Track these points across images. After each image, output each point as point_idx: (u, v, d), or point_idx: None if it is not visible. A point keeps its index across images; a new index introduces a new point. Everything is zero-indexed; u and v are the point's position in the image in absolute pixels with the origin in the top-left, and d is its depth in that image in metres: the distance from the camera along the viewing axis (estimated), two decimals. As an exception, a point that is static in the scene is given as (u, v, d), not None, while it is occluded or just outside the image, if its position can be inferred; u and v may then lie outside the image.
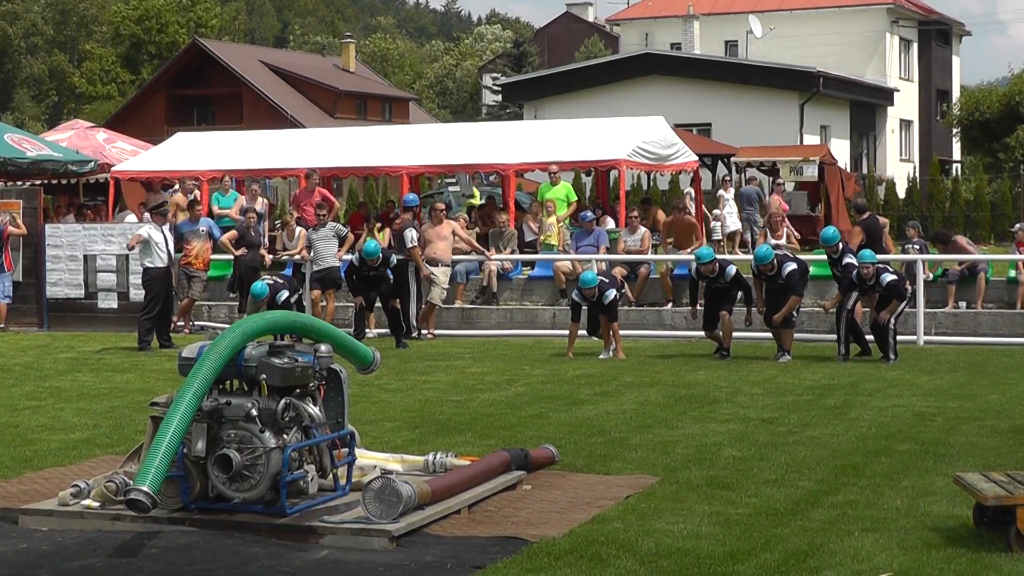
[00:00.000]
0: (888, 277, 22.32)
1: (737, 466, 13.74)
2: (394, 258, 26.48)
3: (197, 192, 38.38)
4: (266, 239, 33.27)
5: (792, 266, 23.49)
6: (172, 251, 27.40)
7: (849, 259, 23.37)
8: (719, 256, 24.93)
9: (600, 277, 25.19)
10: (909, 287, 23.91)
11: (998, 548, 10.02)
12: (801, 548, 10.36)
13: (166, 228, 28.25)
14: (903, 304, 22.91)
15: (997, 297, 28.64)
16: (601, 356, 24.46)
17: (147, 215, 33.95)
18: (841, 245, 24.16)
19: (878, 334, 22.70)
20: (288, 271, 30.15)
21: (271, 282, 25.95)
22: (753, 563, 9.94)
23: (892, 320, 22.44)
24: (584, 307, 25.24)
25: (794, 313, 24.12)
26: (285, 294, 25.88)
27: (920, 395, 18.48)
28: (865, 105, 67.95)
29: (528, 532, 11.07)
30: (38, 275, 31.67)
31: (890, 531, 10.86)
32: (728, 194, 39.18)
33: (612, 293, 24.52)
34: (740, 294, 24.94)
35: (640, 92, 58.62)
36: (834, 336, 23.53)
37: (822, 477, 13.12)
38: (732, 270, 24.21)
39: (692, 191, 41.01)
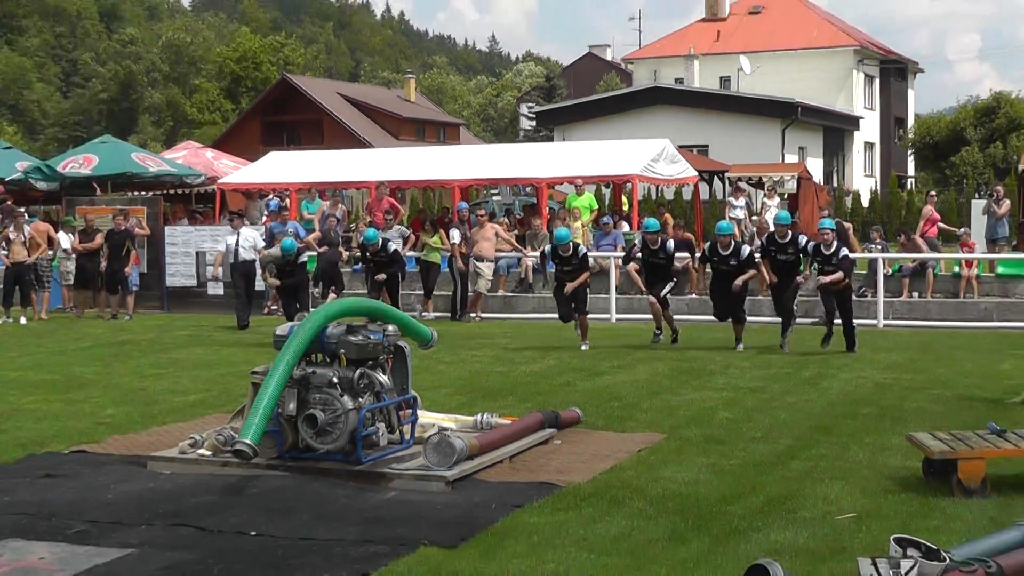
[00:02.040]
0: (844, 250, 20.63)
1: (729, 426, 13.80)
2: (391, 245, 25.60)
3: (283, 199, 38.61)
4: (343, 239, 33.33)
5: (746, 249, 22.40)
6: (257, 247, 27.46)
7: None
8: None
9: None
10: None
11: (943, 494, 10.09)
12: (781, 493, 10.46)
13: (244, 230, 28.35)
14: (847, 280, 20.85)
15: (943, 288, 28.61)
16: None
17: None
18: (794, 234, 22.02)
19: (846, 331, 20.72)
20: (358, 268, 30.14)
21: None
22: (741, 505, 10.05)
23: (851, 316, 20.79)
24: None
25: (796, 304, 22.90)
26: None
27: (879, 369, 18.49)
28: (836, 130, 67.83)
29: (558, 478, 11.18)
30: (159, 268, 31.75)
31: (854, 479, 10.92)
32: (738, 201, 39.07)
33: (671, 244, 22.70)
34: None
35: (649, 119, 58.56)
36: (808, 319, 23.61)
37: (798, 435, 13.17)
38: (746, 249, 22.27)
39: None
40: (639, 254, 22.34)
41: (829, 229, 20.38)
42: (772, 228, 21.93)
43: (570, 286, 20.91)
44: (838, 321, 20.27)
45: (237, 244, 28.05)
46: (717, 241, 21.72)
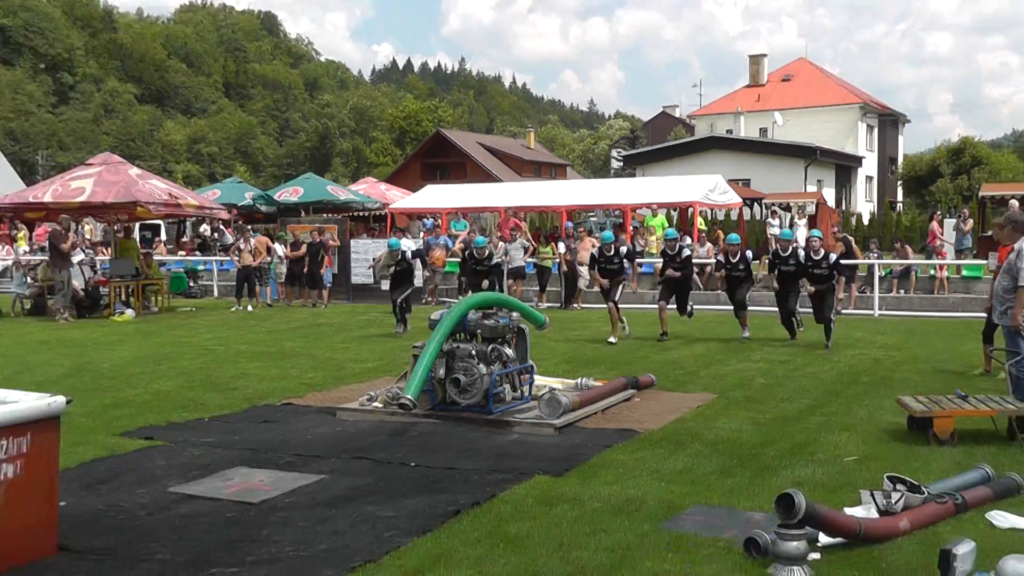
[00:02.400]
0: (832, 256, 18.84)
1: (764, 389, 13.70)
2: (488, 250, 24.20)
3: (436, 219, 38.92)
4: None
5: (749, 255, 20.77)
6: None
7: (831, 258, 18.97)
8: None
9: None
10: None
11: (922, 443, 9.99)
12: (802, 440, 10.38)
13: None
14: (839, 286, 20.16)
15: (923, 287, 28.52)
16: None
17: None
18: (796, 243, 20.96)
19: (825, 324, 18.51)
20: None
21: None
22: (773, 448, 9.99)
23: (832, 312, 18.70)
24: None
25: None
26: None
27: (875, 348, 18.28)
28: (844, 167, 67.13)
29: (637, 426, 11.16)
30: (346, 270, 31.93)
31: (856, 431, 10.81)
32: (774, 221, 38.82)
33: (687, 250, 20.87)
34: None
35: (706, 160, 58.39)
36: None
37: (815, 397, 13.05)
38: (749, 254, 20.85)
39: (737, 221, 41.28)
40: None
41: (816, 238, 19.06)
42: (776, 244, 20.18)
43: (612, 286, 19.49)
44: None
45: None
46: (727, 250, 20.47)
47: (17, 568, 6.75)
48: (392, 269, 21.51)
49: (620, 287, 19.76)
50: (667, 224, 36.85)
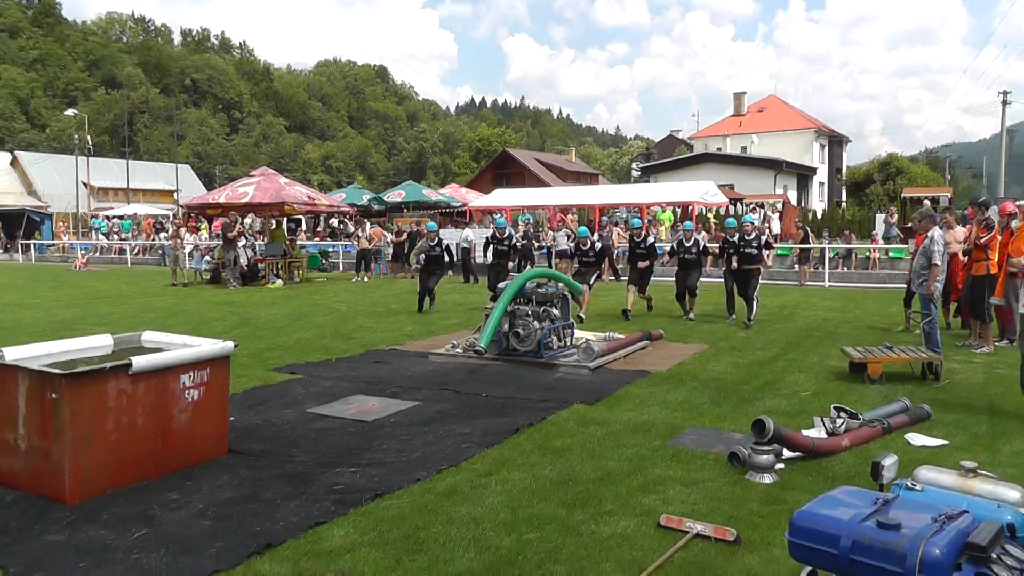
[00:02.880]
0: (762, 238, 16.35)
1: (743, 341, 13.55)
2: (508, 231, 19.76)
3: (503, 214, 38.90)
4: (533, 236, 33.41)
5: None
6: (469, 239, 27.46)
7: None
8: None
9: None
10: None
11: (859, 383, 9.86)
12: (771, 379, 10.27)
13: (467, 231, 28.54)
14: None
15: (860, 264, 28.30)
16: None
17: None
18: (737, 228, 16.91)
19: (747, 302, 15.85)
20: (544, 251, 30.05)
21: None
22: (751, 384, 9.92)
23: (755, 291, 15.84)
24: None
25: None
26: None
27: (824, 311, 18.03)
28: (804, 175, 66.40)
29: (650, 368, 11.06)
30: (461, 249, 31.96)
31: (810, 372, 10.68)
32: (755, 215, 38.67)
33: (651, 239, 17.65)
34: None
35: (702, 170, 57.99)
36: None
37: (780, 347, 12.90)
38: (701, 238, 18.00)
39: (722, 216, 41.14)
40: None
41: (749, 223, 16.59)
42: (724, 232, 17.18)
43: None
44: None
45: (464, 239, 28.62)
46: (683, 235, 17.52)
47: (201, 464, 6.90)
48: (425, 254, 18.88)
49: (595, 275, 17.65)
50: (672, 217, 36.72)
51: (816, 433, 7.41)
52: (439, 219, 36.20)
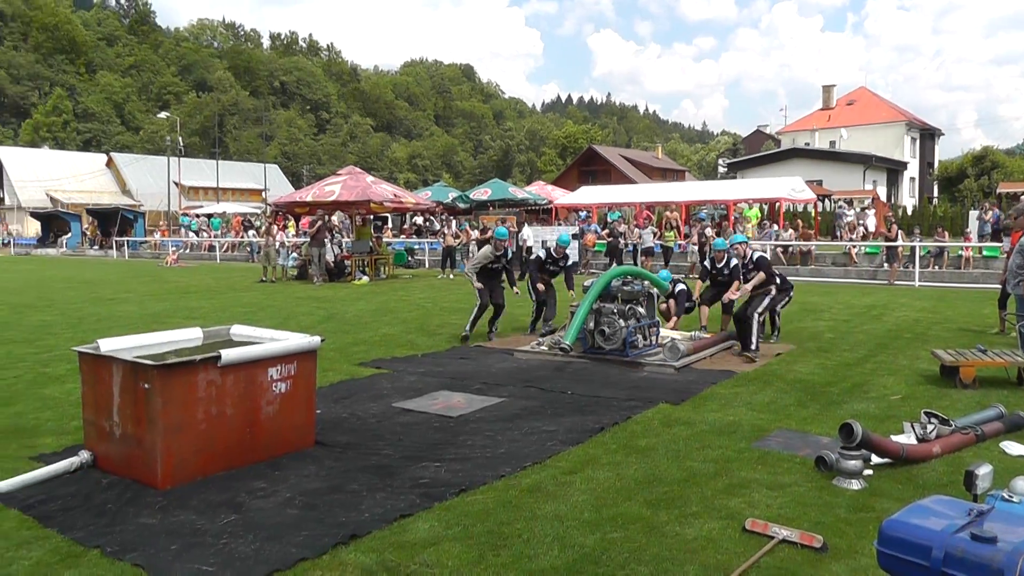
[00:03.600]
0: (756, 255, 13.11)
1: (830, 342, 13.26)
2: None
3: (588, 212, 38.84)
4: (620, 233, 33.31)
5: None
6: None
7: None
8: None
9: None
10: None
11: (951, 387, 9.58)
12: (859, 381, 10.04)
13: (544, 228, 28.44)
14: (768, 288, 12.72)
15: (953, 263, 27.40)
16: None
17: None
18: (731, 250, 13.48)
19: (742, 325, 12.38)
20: (630, 249, 29.88)
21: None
22: (838, 387, 9.70)
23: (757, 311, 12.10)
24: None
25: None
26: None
27: (915, 311, 17.54)
28: (893, 170, 64.98)
29: (735, 368, 10.91)
30: (520, 249, 32.00)
31: (900, 376, 10.41)
32: (848, 211, 37.90)
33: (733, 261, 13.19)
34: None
35: (790, 165, 57.27)
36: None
37: (869, 349, 12.60)
38: (734, 262, 13.32)
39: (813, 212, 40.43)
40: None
41: (741, 243, 13.23)
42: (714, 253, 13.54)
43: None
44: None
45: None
46: (716, 256, 13.48)
47: (289, 454, 7.01)
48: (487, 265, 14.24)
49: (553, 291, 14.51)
50: (759, 214, 36.21)
51: (906, 439, 7.24)
52: (524, 216, 36.28)
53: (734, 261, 13.10)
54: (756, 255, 13.04)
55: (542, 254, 14.32)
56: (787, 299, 13.41)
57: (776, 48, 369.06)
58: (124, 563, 5.02)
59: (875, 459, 6.64)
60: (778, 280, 12.91)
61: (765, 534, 5.27)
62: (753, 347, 11.82)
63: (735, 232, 30.65)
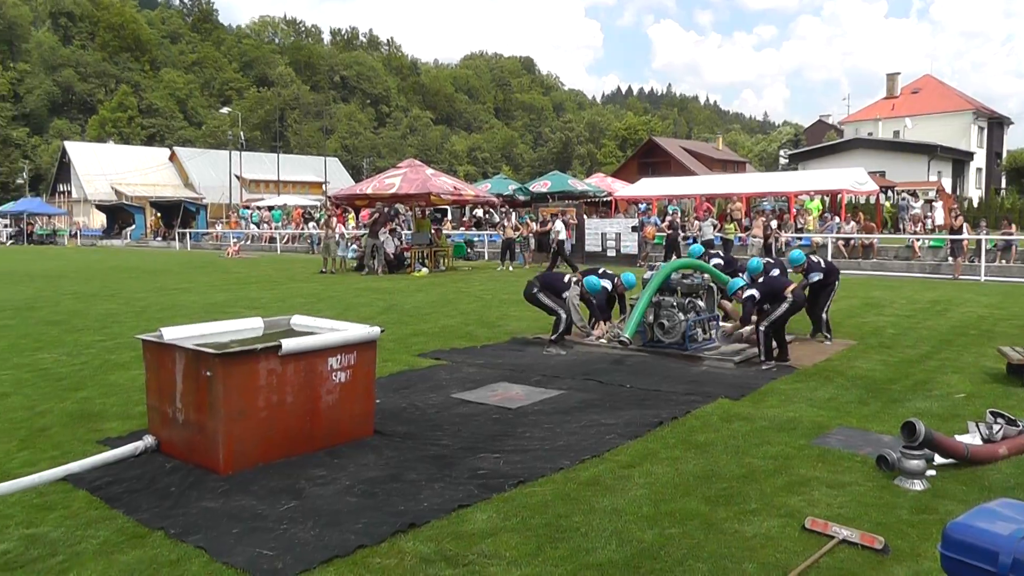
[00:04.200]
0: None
1: (893, 338, 13.03)
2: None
3: (648, 204, 38.64)
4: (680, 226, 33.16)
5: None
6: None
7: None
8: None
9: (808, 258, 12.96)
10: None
11: (1018, 386, 9.35)
12: (922, 379, 9.85)
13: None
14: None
15: (1021, 258, 26.60)
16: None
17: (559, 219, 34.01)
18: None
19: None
20: (690, 241, 29.66)
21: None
22: (900, 384, 9.52)
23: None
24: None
25: None
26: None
27: (981, 307, 17.16)
28: (959, 160, 63.90)
29: (796, 364, 10.73)
30: (582, 239, 31.91)
31: (964, 373, 10.19)
32: (916, 202, 37.26)
33: (814, 276, 12.44)
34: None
35: (852, 156, 56.46)
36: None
37: (933, 345, 12.36)
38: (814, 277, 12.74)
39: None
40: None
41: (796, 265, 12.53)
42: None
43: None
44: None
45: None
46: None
47: (348, 443, 7.07)
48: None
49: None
50: (820, 207, 35.68)
51: (970, 439, 7.08)
52: (584, 208, 36.20)
53: (815, 276, 12.51)
54: (746, 294, 11.10)
55: (608, 285, 13.05)
56: (830, 293, 12.62)
57: (838, 36, 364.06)
58: (187, 544, 5.11)
59: (938, 459, 6.48)
60: (790, 297, 10.71)
61: (825, 533, 5.19)
62: (763, 357, 10.68)
63: (796, 222, 30.38)
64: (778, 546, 5.05)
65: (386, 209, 29.40)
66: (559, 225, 28.97)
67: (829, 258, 26.99)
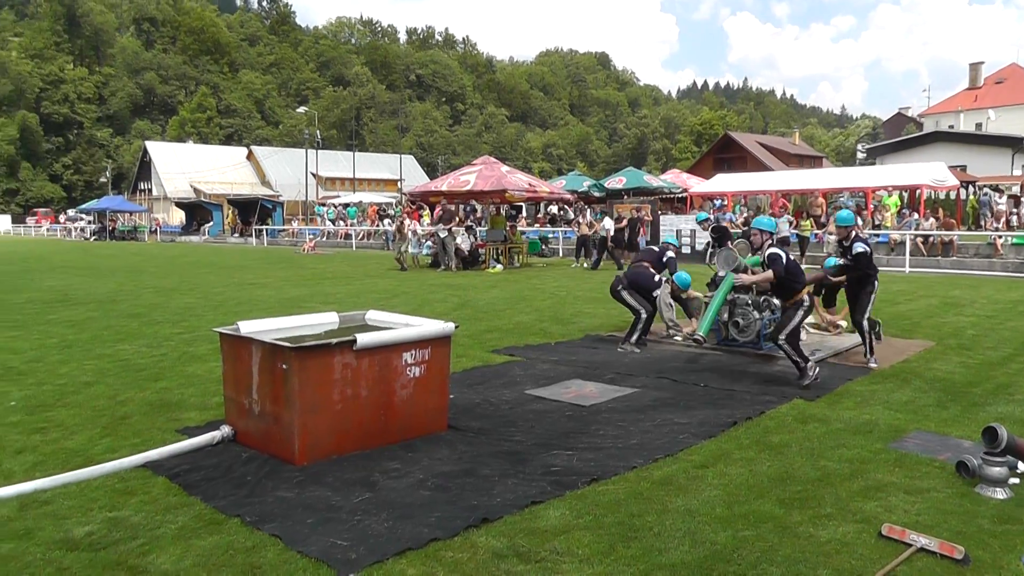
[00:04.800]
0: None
1: (973, 339, 12.68)
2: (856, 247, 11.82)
3: (723, 201, 38.26)
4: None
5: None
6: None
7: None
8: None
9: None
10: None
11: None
12: (1004, 382, 9.56)
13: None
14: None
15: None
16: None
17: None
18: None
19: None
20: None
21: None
22: (980, 387, 9.26)
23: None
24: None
25: None
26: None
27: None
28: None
29: (872, 366, 10.49)
30: (656, 235, 31.54)
31: (1051, 377, 9.93)
32: (1000, 199, 36.21)
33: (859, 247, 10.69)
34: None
35: (932, 150, 55.07)
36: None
37: (1016, 347, 11.98)
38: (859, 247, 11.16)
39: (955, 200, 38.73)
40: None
41: (757, 229, 10.48)
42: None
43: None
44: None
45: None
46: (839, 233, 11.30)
47: (422, 437, 7.12)
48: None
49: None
50: (898, 202, 34.95)
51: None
52: (658, 204, 35.98)
53: (860, 247, 10.76)
54: (770, 251, 9.90)
55: (668, 288, 12.58)
56: (871, 293, 10.88)
57: (919, 25, 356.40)
58: (262, 532, 5.21)
59: (1022, 467, 6.30)
60: (806, 299, 9.78)
61: (902, 541, 5.06)
62: (799, 374, 9.45)
63: (874, 219, 29.77)
64: (853, 552, 4.95)
65: (451, 206, 29.52)
66: (608, 223, 28.83)
67: (907, 255, 26.50)
